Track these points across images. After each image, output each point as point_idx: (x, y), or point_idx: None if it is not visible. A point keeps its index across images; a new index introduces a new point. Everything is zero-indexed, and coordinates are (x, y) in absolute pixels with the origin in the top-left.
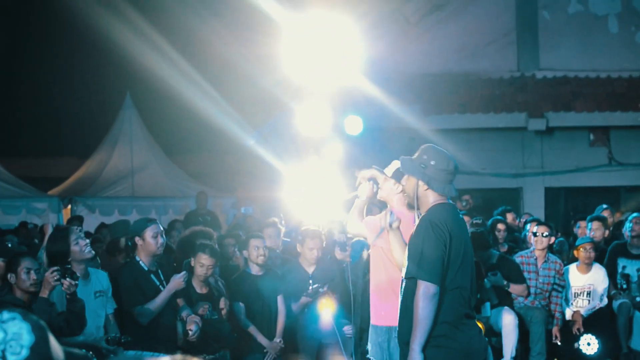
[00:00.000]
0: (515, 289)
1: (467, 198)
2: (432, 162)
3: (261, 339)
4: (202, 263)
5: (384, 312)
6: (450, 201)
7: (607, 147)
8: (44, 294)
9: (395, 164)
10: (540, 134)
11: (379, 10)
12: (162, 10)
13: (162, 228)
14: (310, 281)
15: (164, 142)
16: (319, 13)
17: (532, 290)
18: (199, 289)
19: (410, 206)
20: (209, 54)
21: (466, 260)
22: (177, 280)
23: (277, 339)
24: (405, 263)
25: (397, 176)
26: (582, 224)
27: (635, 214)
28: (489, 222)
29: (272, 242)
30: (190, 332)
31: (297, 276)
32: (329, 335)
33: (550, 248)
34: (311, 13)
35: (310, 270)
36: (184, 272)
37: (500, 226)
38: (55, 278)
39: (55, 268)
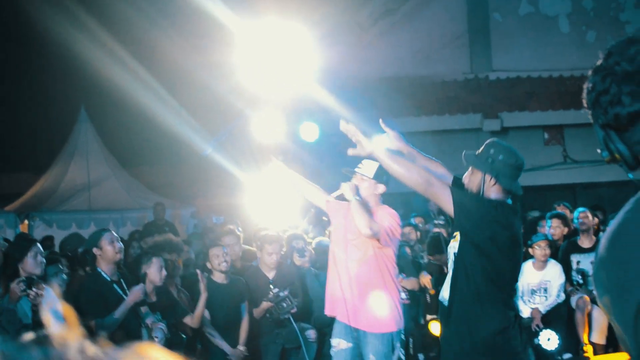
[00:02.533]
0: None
1: None
2: (500, 157)
3: (224, 347)
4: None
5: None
6: (510, 201)
7: (561, 145)
8: (12, 303)
9: (368, 163)
10: (496, 135)
11: (332, 17)
12: (116, 18)
13: (116, 235)
14: (271, 286)
15: (121, 154)
16: (273, 21)
17: None
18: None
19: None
20: (164, 62)
21: (517, 266)
22: (136, 292)
23: (241, 347)
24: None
25: (379, 175)
26: (553, 222)
27: (581, 209)
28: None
29: (232, 250)
30: (155, 339)
31: (257, 281)
32: (292, 340)
33: None
34: (265, 21)
35: (271, 275)
36: (142, 284)
37: None
38: (22, 288)
39: (21, 279)
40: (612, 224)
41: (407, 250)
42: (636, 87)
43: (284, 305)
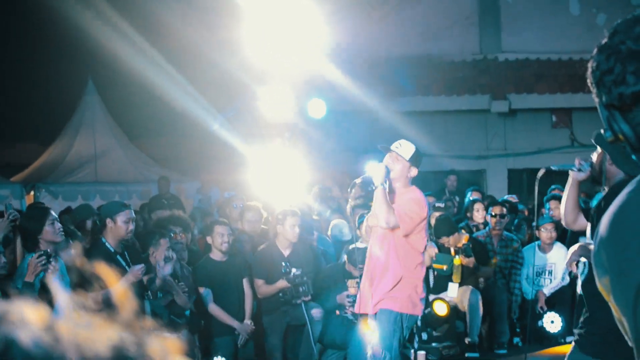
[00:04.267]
0: (485, 272)
1: (453, 179)
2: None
3: (232, 322)
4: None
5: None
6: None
7: (569, 128)
8: (30, 278)
9: (405, 144)
10: (503, 116)
11: None
12: None
13: (134, 215)
14: (284, 264)
15: (127, 127)
16: None
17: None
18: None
19: (595, 181)
20: (172, 38)
21: None
22: (135, 272)
23: (248, 321)
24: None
25: (415, 158)
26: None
27: (598, 194)
28: (465, 203)
29: (252, 227)
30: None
31: (271, 258)
32: (297, 317)
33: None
34: None
35: (286, 253)
36: (142, 265)
37: (478, 206)
38: (43, 262)
39: (41, 252)
40: (614, 204)
41: None
42: None
43: (301, 290)
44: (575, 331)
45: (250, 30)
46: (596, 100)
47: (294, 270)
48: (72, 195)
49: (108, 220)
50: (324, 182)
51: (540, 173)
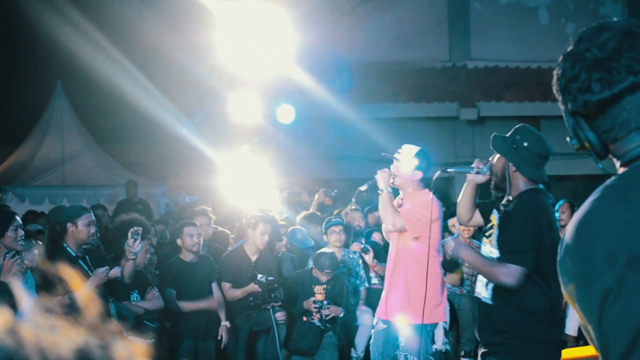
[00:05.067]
0: (451, 278)
1: None
2: (525, 144)
3: (205, 305)
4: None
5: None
6: (542, 186)
7: None
8: (5, 279)
9: (406, 148)
10: (472, 124)
11: None
12: None
13: (94, 218)
14: (254, 270)
15: (96, 131)
16: (252, 2)
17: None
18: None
19: (498, 188)
20: (141, 43)
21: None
22: (100, 275)
23: (225, 322)
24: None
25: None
26: None
27: (561, 202)
28: None
29: (203, 230)
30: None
31: (239, 262)
32: (260, 322)
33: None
34: (244, 2)
35: (253, 258)
36: (106, 267)
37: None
38: (18, 262)
39: (13, 252)
40: (579, 212)
41: (377, 235)
42: (606, 74)
43: (272, 295)
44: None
45: (220, 35)
46: (562, 107)
47: (259, 275)
48: (40, 198)
49: (69, 225)
50: (292, 188)
51: (436, 175)
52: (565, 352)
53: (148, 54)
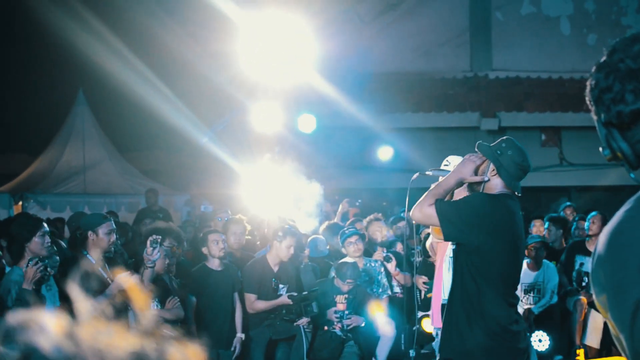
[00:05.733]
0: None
1: None
2: (509, 152)
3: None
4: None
5: None
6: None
7: (558, 147)
8: (28, 286)
9: (454, 160)
10: (493, 134)
11: (332, 9)
12: (114, 7)
13: (114, 226)
14: (274, 280)
15: (117, 139)
16: (273, 11)
17: None
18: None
19: (473, 190)
20: (162, 52)
21: (513, 259)
22: (122, 278)
23: (240, 334)
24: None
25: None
26: (537, 222)
27: (593, 213)
28: None
29: (237, 239)
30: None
31: (262, 273)
32: (279, 331)
33: None
34: (265, 11)
35: (276, 269)
36: (127, 272)
37: None
38: (40, 269)
39: (36, 259)
40: (611, 222)
41: (399, 245)
42: (639, 85)
43: (308, 309)
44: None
45: (241, 44)
46: (595, 118)
47: (280, 286)
48: (61, 206)
49: (90, 233)
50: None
51: (414, 177)
52: None
53: (169, 62)
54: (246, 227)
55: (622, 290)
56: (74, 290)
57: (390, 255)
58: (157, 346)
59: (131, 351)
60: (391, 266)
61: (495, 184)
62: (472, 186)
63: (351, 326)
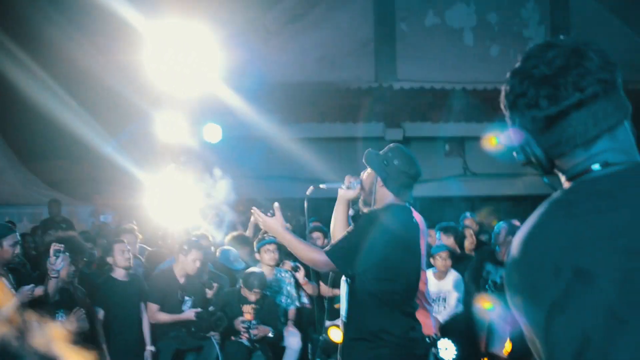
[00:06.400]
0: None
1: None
2: (395, 162)
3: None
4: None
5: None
6: (408, 205)
7: (462, 157)
8: None
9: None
10: (400, 145)
11: (239, 19)
12: (17, 18)
13: (19, 238)
14: (180, 292)
15: (19, 149)
16: (179, 21)
17: None
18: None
19: (366, 203)
20: (66, 62)
21: (406, 268)
22: (25, 293)
23: (150, 347)
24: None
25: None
26: (431, 232)
27: (501, 223)
28: None
29: (130, 249)
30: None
31: (168, 284)
32: (185, 342)
33: None
34: (171, 21)
35: (182, 280)
36: (32, 285)
37: None
38: None
39: None
40: (525, 226)
41: None
42: (553, 91)
43: (218, 323)
44: None
45: (147, 54)
46: (509, 123)
47: (186, 298)
48: None
49: None
50: (219, 208)
51: (309, 191)
52: None
53: (73, 72)
54: (138, 237)
55: (537, 293)
56: None
57: (299, 265)
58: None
59: None
60: (300, 275)
61: (385, 195)
62: (365, 200)
63: (258, 336)
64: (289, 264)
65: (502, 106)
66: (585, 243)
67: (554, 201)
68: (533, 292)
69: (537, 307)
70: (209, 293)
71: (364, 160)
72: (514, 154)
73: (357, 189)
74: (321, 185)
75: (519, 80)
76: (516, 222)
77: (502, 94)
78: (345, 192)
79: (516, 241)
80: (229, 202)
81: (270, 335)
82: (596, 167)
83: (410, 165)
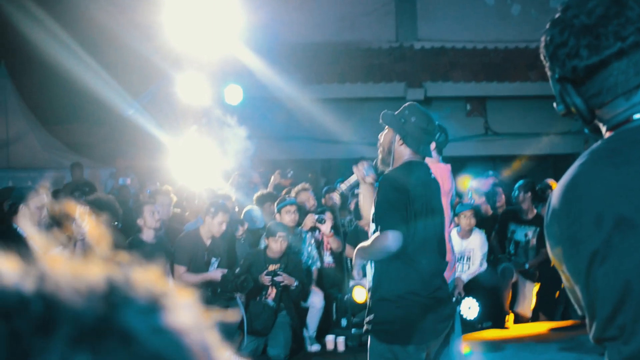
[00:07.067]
0: None
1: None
2: (413, 119)
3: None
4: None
5: None
6: (425, 161)
7: (483, 117)
8: None
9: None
10: (419, 104)
11: None
12: None
13: (47, 199)
14: (206, 253)
15: (41, 112)
16: None
17: None
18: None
19: (384, 162)
20: (87, 22)
21: (431, 225)
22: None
23: None
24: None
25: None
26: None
27: (520, 182)
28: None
29: (163, 211)
30: None
31: (194, 246)
32: (213, 303)
33: None
34: None
35: (208, 242)
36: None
37: None
38: None
39: None
40: (565, 176)
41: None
42: (594, 40)
43: (244, 285)
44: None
45: (167, 14)
46: (549, 73)
47: (213, 259)
48: None
49: (21, 206)
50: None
51: (336, 199)
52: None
53: (93, 33)
54: (172, 199)
55: (578, 242)
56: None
57: (324, 216)
58: (121, 271)
59: (99, 275)
60: (325, 227)
61: (403, 153)
62: (383, 159)
63: (283, 283)
64: (312, 217)
65: (541, 56)
66: (628, 191)
67: (594, 151)
68: (574, 242)
69: (578, 256)
70: (240, 230)
71: (380, 121)
72: (554, 104)
73: (371, 175)
74: (342, 186)
75: (559, 31)
76: (551, 181)
77: (542, 44)
78: (363, 179)
79: (556, 192)
80: (251, 162)
81: (295, 285)
82: (637, 116)
83: (427, 121)
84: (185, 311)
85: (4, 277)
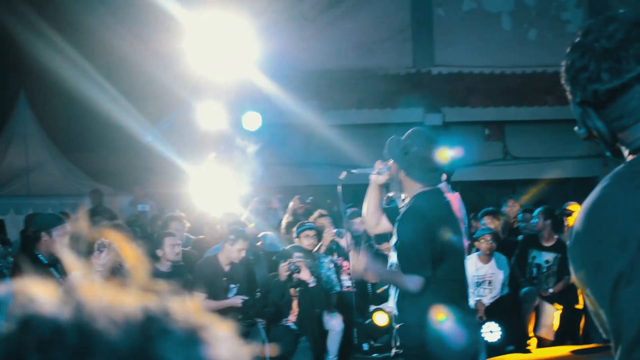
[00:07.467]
0: None
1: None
2: (415, 149)
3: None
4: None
5: None
6: (438, 187)
7: (502, 141)
8: None
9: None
10: (437, 129)
11: (275, 7)
12: (57, 6)
13: (69, 229)
14: (225, 279)
15: (60, 140)
16: (216, 11)
17: None
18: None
19: (394, 189)
20: (106, 51)
21: (456, 250)
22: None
23: None
24: (394, 254)
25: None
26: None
27: (540, 209)
28: None
29: (177, 236)
30: None
31: (213, 273)
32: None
33: None
34: (209, 11)
35: (227, 268)
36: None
37: None
38: None
39: None
40: (589, 199)
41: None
42: (615, 64)
43: (265, 310)
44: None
45: (185, 42)
46: (570, 97)
47: (231, 286)
48: (4, 208)
49: (43, 234)
50: (261, 195)
51: (342, 176)
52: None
53: (113, 61)
54: (185, 225)
55: (601, 266)
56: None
57: (343, 230)
58: (158, 300)
59: (137, 305)
60: (344, 241)
61: (412, 184)
62: (394, 188)
63: (300, 274)
64: (331, 232)
65: (562, 80)
66: None
67: (617, 174)
68: (598, 265)
69: (603, 279)
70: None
71: (385, 151)
72: (575, 128)
73: (386, 175)
74: (353, 171)
75: (579, 55)
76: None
77: (562, 68)
78: (376, 177)
79: (580, 216)
80: (269, 189)
81: (312, 284)
82: None
83: (430, 149)
84: (224, 344)
85: (39, 306)
